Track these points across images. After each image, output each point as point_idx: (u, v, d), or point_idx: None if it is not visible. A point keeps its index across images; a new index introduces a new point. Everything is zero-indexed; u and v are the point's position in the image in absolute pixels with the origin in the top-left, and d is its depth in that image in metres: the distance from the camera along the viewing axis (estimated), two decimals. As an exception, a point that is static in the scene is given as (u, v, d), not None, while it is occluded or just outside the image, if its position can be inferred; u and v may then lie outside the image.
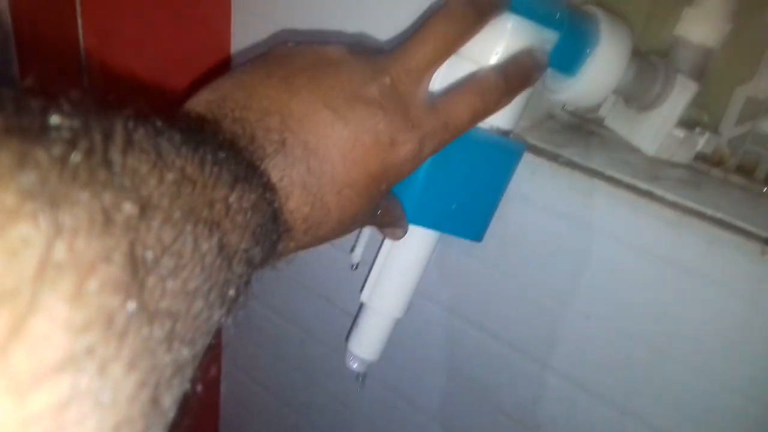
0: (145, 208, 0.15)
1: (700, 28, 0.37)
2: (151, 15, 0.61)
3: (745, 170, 0.40)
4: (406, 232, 0.36)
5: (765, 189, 0.39)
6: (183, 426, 0.18)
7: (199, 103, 0.26)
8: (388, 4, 0.43)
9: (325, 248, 0.54)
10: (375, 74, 0.28)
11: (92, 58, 0.63)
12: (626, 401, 0.41)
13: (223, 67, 0.56)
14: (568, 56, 0.35)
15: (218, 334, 0.21)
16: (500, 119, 0.34)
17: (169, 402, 0.17)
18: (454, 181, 0.35)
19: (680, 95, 0.37)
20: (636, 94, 0.37)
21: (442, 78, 0.32)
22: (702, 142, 0.39)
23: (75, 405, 0.13)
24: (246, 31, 0.53)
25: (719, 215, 0.35)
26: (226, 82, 0.27)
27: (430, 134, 0.30)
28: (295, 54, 0.29)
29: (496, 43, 0.32)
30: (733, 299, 0.35)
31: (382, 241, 0.39)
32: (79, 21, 0.64)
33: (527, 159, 0.39)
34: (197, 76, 0.58)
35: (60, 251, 0.13)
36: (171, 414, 0.17)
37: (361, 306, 0.40)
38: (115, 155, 0.15)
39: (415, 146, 0.29)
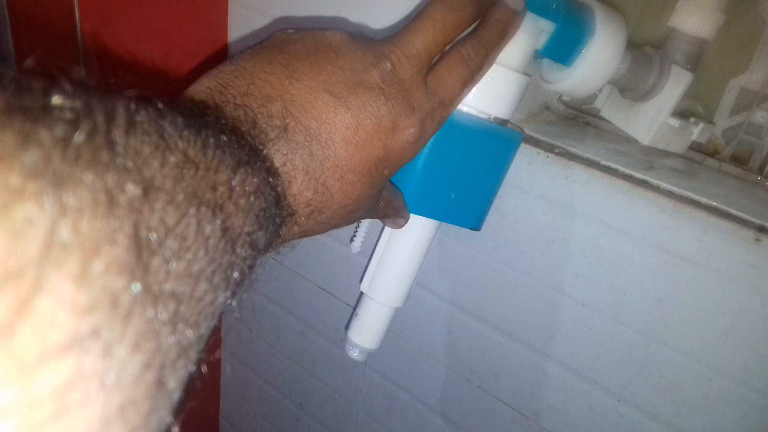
0: (148, 190, 0.15)
1: (695, 19, 0.38)
2: (149, 3, 0.61)
3: (739, 160, 0.41)
4: (407, 221, 0.36)
5: (759, 178, 0.39)
6: (187, 408, 0.18)
7: (200, 90, 0.26)
8: (385, -3, 0.43)
9: (324, 239, 0.55)
10: (376, 60, 0.28)
11: (89, 44, 0.63)
12: (622, 388, 0.41)
13: (220, 56, 0.57)
14: (564, 47, 0.35)
15: (219, 322, 0.21)
16: (497, 108, 0.35)
17: (174, 384, 0.17)
18: (453, 169, 0.35)
19: (675, 86, 0.38)
20: (631, 85, 0.38)
21: None
22: (696, 132, 0.39)
23: (80, 386, 0.13)
24: (243, 21, 0.53)
25: (714, 203, 0.35)
26: (227, 68, 0.27)
27: (429, 115, 0.30)
28: (296, 40, 0.29)
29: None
30: (728, 286, 0.35)
31: (381, 231, 0.39)
32: (76, 8, 0.64)
33: (524, 150, 0.40)
34: (194, 65, 0.58)
35: (65, 232, 0.13)
36: (176, 395, 0.17)
37: (360, 295, 0.41)
38: (118, 136, 0.15)
39: (417, 129, 0.30)
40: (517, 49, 0.34)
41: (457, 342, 0.50)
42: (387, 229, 0.39)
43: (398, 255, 0.38)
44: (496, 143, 0.36)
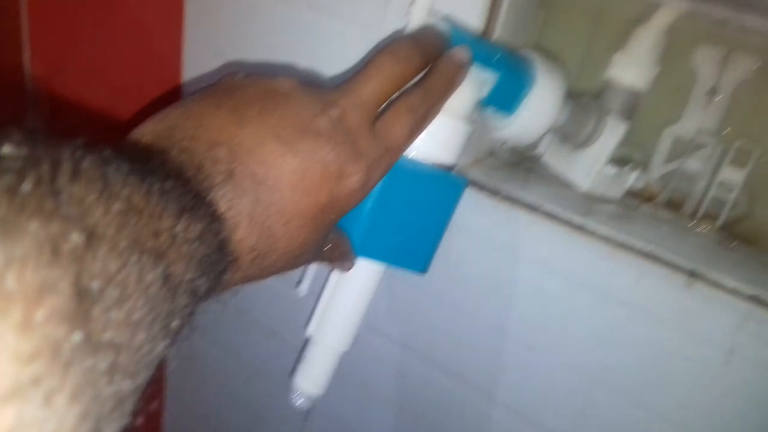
0: (91, 238, 0.16)
1: (630, 72, 0.40)
2: (103, 44, 0.60)
3: (674, 205, 0.42)
4: (354, 264, 0.36)
5: (691, 223, 0.41)
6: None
7: (146, 132, 0.26)
8: (336, 42, 0.44)
9: (272, 282, 0.54)
10: (324, 107, 0.29)
11: (39, 86, 0.62)
12: (567, 431, 0.42)
13: (173, 96, 0.57)
14: (507, 96, 0.36)
15: (160, 370, 0.20)
16: (443, 155, 0.35)
17: None
18: (399, 214, 0.36)
19: (611, 134, 0.39)
20: (570, 133, 0.39)
21: None
22: (632, 178, 0.41)
23: None
24: (197, 61, 0.54)
25: (648, 248, 0.36)
26: (174, 112, 0.27)
27: (376, 162, 0.30)
28: (245, 85, 0.29)
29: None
30: (663, 329, 0.36)
31: (329, 274, 0.39)
32: (26, 51, 0.63)
33: (470, 194, 0.40)
34: (147, 104, 0.58)
35: (10, 280, 0.13)
36: None
37: (307, 340, 0.40)
38: (63, 184, 0.15)
39: (363, 176, 0.30)
40: (461, 97, 0.35)
41: (405, 385, 0.50)
42: (334, 273, 0.39)
43: (345, 298, 0.38)
44: (441, 188, 0.37)
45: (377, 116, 0.31)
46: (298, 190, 0.28)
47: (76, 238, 0.15)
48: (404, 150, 0.33)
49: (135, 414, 0.18)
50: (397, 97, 0.32)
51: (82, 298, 0.15)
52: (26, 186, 0.14)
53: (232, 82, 0.30)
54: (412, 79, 0.32)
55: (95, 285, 0.15)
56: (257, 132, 0.27)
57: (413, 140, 0.33)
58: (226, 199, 0.25)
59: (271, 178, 0.27)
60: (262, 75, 0.31)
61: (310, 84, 0.30)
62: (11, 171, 0.14)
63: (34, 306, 0.13)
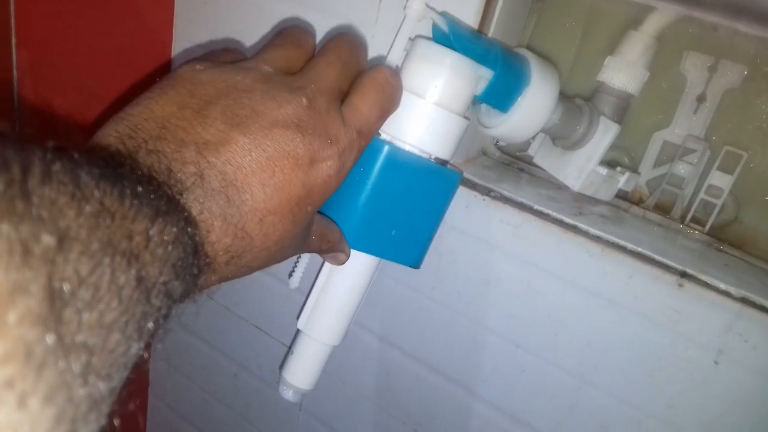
0: (62, 240, 0.16)
1: (621, 75, 0.40)
2: (90, 16, 0.60)
3: (662, 208, 0.43)
4: (348, 256, 0.36)
5: (680, 226, 0.41)
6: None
7: (109, 133, 0.25)
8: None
9: (260, 276, 0.54)
10: (290, 96, 0.29)
11: (25, 71, 0.61)
12: (554, 431, 0.42)
13: (163, 70, 0.56)
14: (501, 94, 0.37)
15: (144, 366, 0.20)
16: (438, 149, 0.36)
17: None
18: (393, 207, 0.36)
19: (603, 136, 0.40)
20: (562, 134, 0.40)
21: None
22: (623, 181, 0.41)
23: None
24: (188, 34, 0.53)
25: (639, 249, 0.37)
26: (134, 110, 0.27)
27: (348, 147, 0.30)
28: (205, 81, 0.29)
29: (436, 77, 0.34)
30: (653, 329, 0.37)
31: (321, 267, 0.39)
32: (13, 25, 0.62)
33: (461, 192, 0.41)
34: (137, 80, 0.57)
35: None
36: None
37: (297, 333, 0.40)
38: (34, 186, 0.15)
39: (336, 161, 0.30)
40: (458, 93, 0.35)
41: (394, 384, 0.50)
42: (327, 265, 0.38)
43: (337, 291, 0.38)
44: (437, 182, 0.37)
45: (344, 101, 0.31)
46: (269, 186, 0.27)
47: (47, 239, 0.15)
48: (376, 131, 0.33)
49: (113, 415, 0.18)
50: (359, 80, 0.32)
51: (54, 300, 0.15)
52: None
53: (191, 77, 0.29)
54: (364, 67, 0.32)
55: (67, 287, 0.15)
56: (223, 131, 0.27)
57: (385, 119, 0.33)
58: (197, 202, 0.25)
59: (240, 176, 0.26)
60: (221, 67, 0.30)
61: (272, 75, 0.30)
62: None
63: (6, 308, 0.13)
